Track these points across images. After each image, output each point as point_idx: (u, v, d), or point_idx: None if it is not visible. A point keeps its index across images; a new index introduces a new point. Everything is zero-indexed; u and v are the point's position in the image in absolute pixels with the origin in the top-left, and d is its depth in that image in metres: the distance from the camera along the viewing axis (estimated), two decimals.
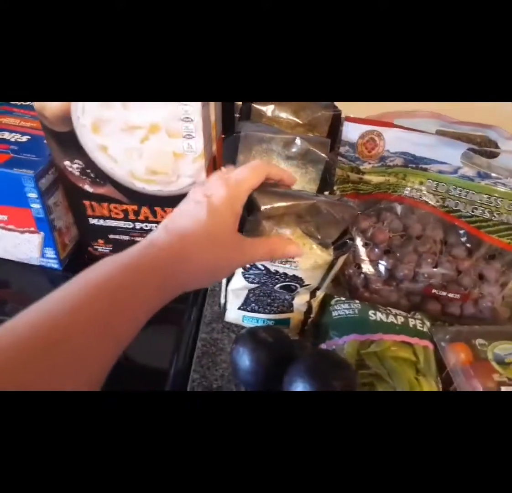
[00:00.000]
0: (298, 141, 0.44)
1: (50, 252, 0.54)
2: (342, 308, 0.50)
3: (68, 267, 0.57)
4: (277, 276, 0.43)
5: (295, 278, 0.43)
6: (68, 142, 0.46)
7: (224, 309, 0.50)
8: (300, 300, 0.47)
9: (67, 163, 0.48)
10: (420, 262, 0.52)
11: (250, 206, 0.34)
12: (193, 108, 0.43)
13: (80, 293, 0.26)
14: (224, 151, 0.45)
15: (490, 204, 0.48)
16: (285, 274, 0.43)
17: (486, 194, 0.47)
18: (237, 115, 0.66)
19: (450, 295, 0.52)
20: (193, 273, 0.30)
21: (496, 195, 0.47)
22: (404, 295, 0.54)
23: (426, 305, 0.54)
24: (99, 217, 0.53)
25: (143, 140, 0.45)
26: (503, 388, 0.42)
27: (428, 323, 0.50)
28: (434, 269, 0.52)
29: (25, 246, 0.54)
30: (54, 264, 0.56)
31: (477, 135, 0.51)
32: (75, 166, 0.48)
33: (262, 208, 0.34)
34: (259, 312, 0.48)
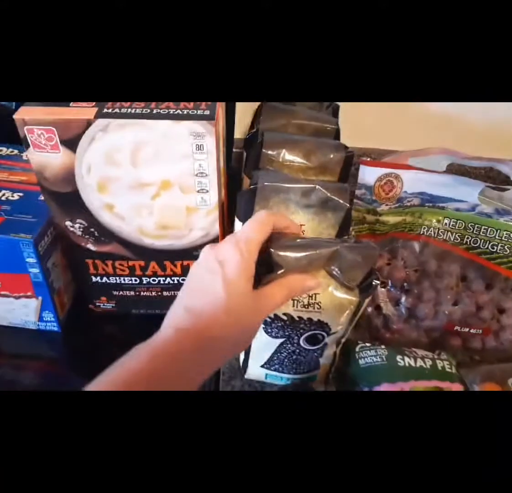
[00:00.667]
0: (317, 190, 0.42)
1: (49, 316, 0.50)
2: (368, 356, 0.48)
3: (68, 327, 0.52)
4: (301, 325, 0.41)
5: (320, 324, 0.41)
6: (71, 202, 0.43)
7: (244, 365, 0.47)
8: (327, 354, 0.45)
9: (68, 223, 0.45)
10: (440, 299, 0.52)
11: (269, 263, 0.34)
12: (208, 163, 0.41)
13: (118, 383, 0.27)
14: (240, 203, 0.43)
15: (509, 240, 0.47)
16: (310, 320, 0.40)
17: (505, 231, 0.47)
18: (236, 150, 0.64)
19: (472, 330, 0.51)
20: (219, 349, 0.31)
21: None
22: (424, 333, 0.53)
23: (447, 341, 0.53)
24: (102, 275, 0.49)
25: (154, 197, 0.42)
26: None
27: (454, 362, 0.50)
28: (455, 306, 0.51)
29: (21, 311, 0.50)
30: (53, 327, 0.51)
31: (487, 169, 0.50)
32: (77, 225, 0.45)
33: (284, 262, 0.34)
34: (284, 373, 0.46)
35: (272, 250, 0.34)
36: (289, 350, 0.43)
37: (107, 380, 0.27)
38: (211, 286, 0.30)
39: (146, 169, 0.40)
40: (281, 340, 0.42)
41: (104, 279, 0.50)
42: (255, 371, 0.47)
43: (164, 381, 0.28)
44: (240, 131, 0.61)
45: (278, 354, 0.43)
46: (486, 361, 0.53)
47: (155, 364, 0.28)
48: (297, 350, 0.43)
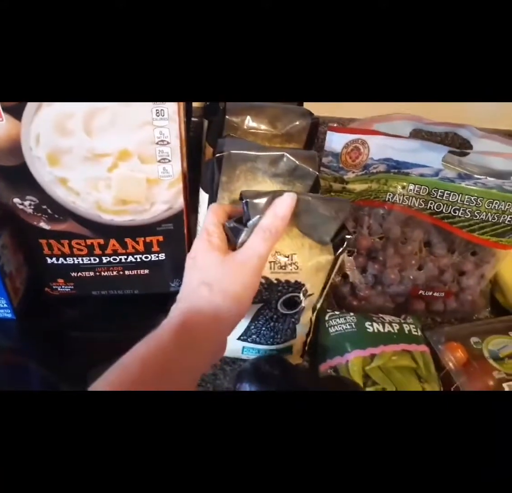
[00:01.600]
0: (285, 158, 0.41)
1: (1, 302, 0.46)
2: (338, 323, 0.49)
3: (23, 314, 0.49)
4: (279, 288, 0.40)
5: (298, 285, 0.40)
6: (18, 177, 0.39)
7: None
8: (304, 320, 0.44)
9: (16, 200, 0.41)
10: (404, 265, 0.52)
11: (243, 218, 0.35)
12: (170, 130, 0.38)
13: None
14: (205, 173, 0.41)
15: (470, 204, 0.48)
16: (287, 282, 0.40)
17: (467, 195, 0.48)
18: (194, 119, 0.61)
19: (436, 294, 0.53)
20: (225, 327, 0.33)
21: (476, 195, 0.48)
22: (389, 298, 0.54)
23: (411, 305, 0.54)
24: (59, 256, 0.46)
25: (112, 168, 0.39)
26: (504, 384, 0.44)
27: (419, 325, 0.51)
28: (419, 271, 0.52)
29: None
30: (7, 314, 0.48)
31: (450, 134, 0.51)
32: (27, 203, 0.41)
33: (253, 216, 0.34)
34: (261, 344, 0.45)
35: (244, 200, 0.34)
36: (267, 316, 0.42)
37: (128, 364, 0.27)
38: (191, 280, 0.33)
39: (102, 138, 0.37)
40: (259, 305, 0.41)
41: (60, 260, 0.46)
42: (232, 346, 0.44)
43: (182, 361, 0.28)
44: None
45: (256, 321, 0.43)
46: (447, 322, 0.55)
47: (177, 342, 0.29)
48: (275, 316, 0.42)
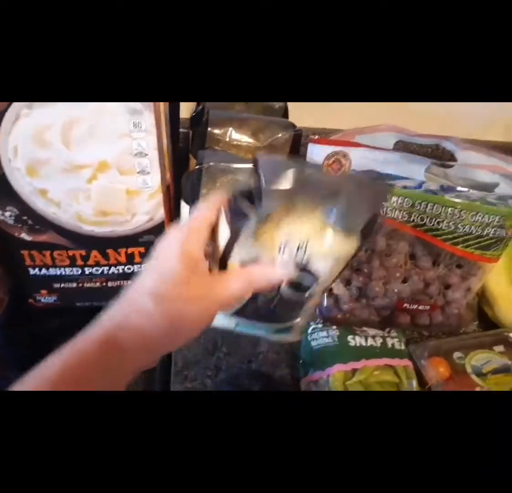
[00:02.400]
0: None
1: None
2: (320, 337, 0.48)
3: (6, 325, 0.49)
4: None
5: (308, 272, 0.33)
6: None
7: None
8: (311, 303, 0.38)
9: None
10: (389, 278, 0.52)
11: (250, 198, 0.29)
12: (147, 142, 0.38)
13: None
14: (186, 185, 0.41)
15: (454, 216, 0.48)
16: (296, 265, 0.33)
17: (450, 207, 0.48)
18: (183, 130, 0.61)
19: (421, 307, 0.53)
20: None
21: (459, 207, 0.48)
22: (374, 311, 0.54)
23: (396, 318, 0.54)
24: (41, 267, 0.46)
25: (91, 180, 0.39)
26: None
27: (404, 339, 0.51)
28: (404, 284, 0.52)
29: None
30: None
31: (433, 147, 0.51)
32: (7, 213, 0.41)
33: (273, 200, 0.28)
34: (259, 321, 0.38)
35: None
36: (268, 297, 0.35)
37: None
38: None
39: (80, 150, 0.38)
40: None
41: (43, 270, 0.46)
42: (225, 320, 0.38)
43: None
44: (188, 110, 0.59)
45: (255, 300, 0.35)
46: (433, 336, 0.54)
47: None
48: (278, 298, 0.35)
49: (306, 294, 0.35)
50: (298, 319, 0.38)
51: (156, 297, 0.27)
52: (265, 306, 0.35)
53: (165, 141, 0.42)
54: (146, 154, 0.39)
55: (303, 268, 0.33)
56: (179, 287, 0.27)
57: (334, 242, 0.32)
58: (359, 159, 0.46)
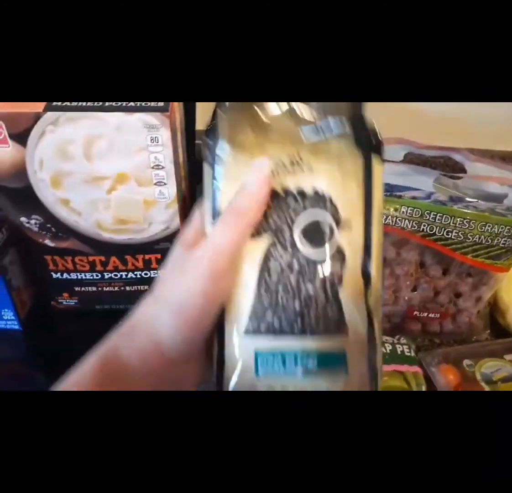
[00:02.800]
0: None
1: (8, 314, 0.49)
2: None
3: (29, 326, 0.51)
4: (289, 203, 0.26)
5: (319, 198, 0.26)
6: (24, 197, 0.42)
7: (219, 362, 0.26)
8: (350, 288, 0.26)
9: (23, 219, 0.44)
10: (399, 285, 0.53)
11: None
12: (164, 155, 0.40)
13: None
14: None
15: (463, 227, 0.49)
16: (301, 192, 0.26)
17: (459, 217, 0.48)
18: (199, 142, 0.64)
19: (431, 315, 0.53)
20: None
21: (468, 217, 0.48)
22: (384, 317, 0.55)
23: (407, 325, 0.55)
24: (63, 271, 0.48)
25: (110, 190, 0.42)
26: None
27: (413, 346, 0.51)
28: (414, 292, 0.52)
29: None
30: (14, 326, 0.50)
31: (444, 158, 0.52)
32: (33, 221, 0.44)
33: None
34: (284, 333, 0.25)
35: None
36: (282, 262, 0.25)
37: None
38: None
39: (100, 163, 0.40)
40: (267, 242, 0.25)
41: (65, 275, 0.49)
42: (237, 351, 0.25)
43: None
44: (203, 122, 0.61)
45: (265, 274, 0.25)
46: (445, 344, 0.55)
47: None
48: (295, 261, 0.25)
49: (330, 244, 0.25)
50: (346, 333, 0.25)
51: (154, 294, 0.26)
52: (283, 283, 0.25)
53: (181, 154, 0.44)
54: (163, 167, 0.41)
55: (312, 195, 0.26)
56: (170, 270, 0.26)
57: (326, 148, 0.26)
58: None
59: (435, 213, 0.49)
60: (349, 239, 0.26)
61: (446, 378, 0.47)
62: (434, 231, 0.50)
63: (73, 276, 0.49)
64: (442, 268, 0.52)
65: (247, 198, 0.24)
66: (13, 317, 0.50)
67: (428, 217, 0.49)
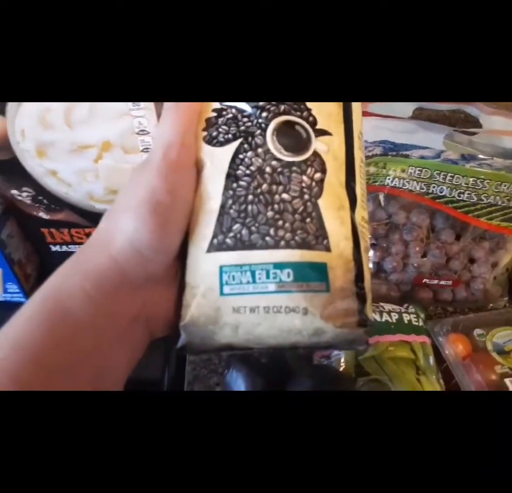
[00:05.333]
0: None
1: (13, 287, 0.50)
2: None
3: None
4: (261, 104, 0.23)
5: (296, 102, 0.24)
6: (12, 169, 0.41)
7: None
8: (328, 199, 0.23)
9: (14, 192, 0.43)
10: (408, 252, 0.50)
11: None
12: (148, 120, 0.38)
13: None
14: None
15: (476, 187, 0.45)
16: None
17: (472, 177, 0.45)
18: None
19: (442, 282, 0.50)
20: None
21: (482, 177, 0.45)
22: (394, 286, 0.53)
23: (417, 294, 0.52)
24: (61, 244, 0.48)
25: (97, 159, 0.40)
26: (506, 380, 0.41)
27: (422, 315, 0.49)
28: (423, 258, 0.50)
29: None
30: (19, 298, 0.51)
31: (457, 112, 0.48)
32: (24, 194, 0.43)
33: None
34: (254, 247, 0.22)
35: None
36: (252, 170, 0.22)
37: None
38: None
39: (83, 130, 0.38)
40: (236, 143, 0.23)
41: (64, 247, 0.49)
42: (200, 271, 0.22)
43: None
44: None
45: (232, 187, 0.23)
46: (458, 312, 0.52)
47: None
48: (267, 168, 0.22)
49: (307, 151, 0.23)
50: (328, 246, 0.22)
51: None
52: (254, 188, 0.22)
53: None
54: (148, 132, 0.39)
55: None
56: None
57: None
58: (371, 129, 0.44)
59: (445, 173, 0.45)
60: (329, 147, 0.23)
61: (455, 348, 0.44)
62: (444, 192, 0.46)
63: (72, 248, 0.49)
64: (455, 233, 0.49)
65: None
66: (18, 290, 0.50)
67: (438, 178, 0.46)
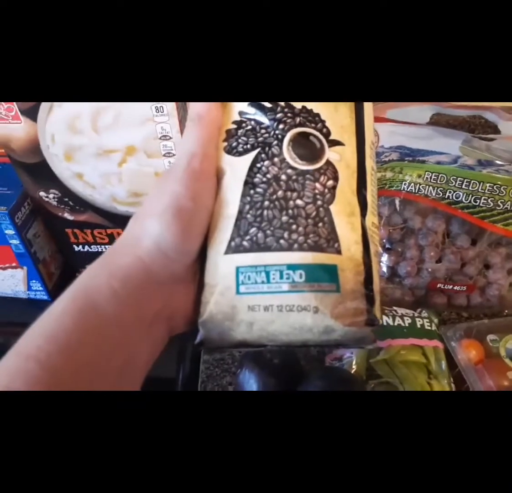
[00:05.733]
0: None
1: (36, 285, 0.52)
2: None
3: (58, 296, 0.54)
4: (279, 114, 0.25)
5: (310, 115, 0.25)
6: (41, 172, 0.43)
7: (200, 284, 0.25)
8: (341, 204, 0.24)
9: (42, 193, 0.45)
10: (423, 256, 0.51)
11: None
12: (171, 125, 0.40)
13: None
14: None
15: (493, 193, 0.45)
16: (290, 107, 0.25)
17: (489, 183, 0.45)
18: None
19: (457, 287, 0.51)
20: None
21: (500, 182, 0.45)
22: (408, 291, 0.53)
23: (431, 298, 0.52)
24: (84, 244, 0.50)
25: (121, 163, 0.42)
26: None
27: (436, 320, 0.49)
28: (438, 264, 0.50)
29: (9, 282, 0.51)
30: (42, 296, 0.53)
31: (475, 118, 0.48)
32: (51, 195, 0.45)
33: None
34: (269, 249, 0.23)
35: None
36: (269, 178, 0.24)
37: None
38: None
39: (109, 135, 0.40)
40: (253, 154, 0.25)
41: (86, 248, 0.50)
42: (218, 271, 0.24)
43: None
44: None
45: (249, 194, 0.24)
46: (473, 318, 0.52)
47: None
48: (283, 175, 0.24)
49: (322, 160, 0.24)
50: (339, 249, 0.23)
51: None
52: (269, 195, 0.24)
53: None
54: (171, 138, 0.41)
55: (302, 110, 0.25)
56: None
57: None
58: (388, 135, 0.45)
59: (462, 178, 0.46)
60: (341, 157, 0.24)
61: (468, 354, 0.45)
62: (460, 198, 0.47)
63: (94, 248, 0.50)
64: (470, 238, 0.49)
65: (196, 102, 0.25)
66: (41, 288, 0.52)
67: (454, 183, 0.46)
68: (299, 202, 0.23)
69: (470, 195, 0.46)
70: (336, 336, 0.23)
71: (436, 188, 0.47)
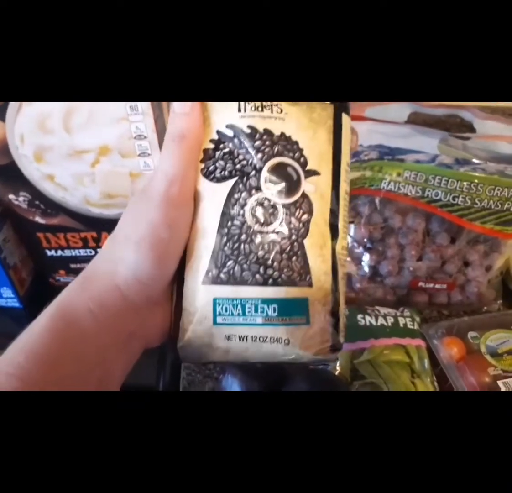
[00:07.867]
0: None
1: (7, 292, 0.49)
2: None
3: (30, 303, 0.52)
4: (257, 142, 0.25)
5: (288, 143, 0.25)
6: (10, 174, 0.41)
7: (176, 312, 0.26)
8: (315, 237, 0.25)
9: (11, 196, 0.43)
10: (404, 255, 0.51)
11: None
12: (146, 125, 0.39)
13: None
14: None
15: (470, 191, 0.46)
16: (269, 133, 0.25)
17: (466, 181, 0.45)
18: None
19: (437, 286, 0.51)
20: None
21: (476, 181, 0.45)
22: (390, 290, 0.53)
23: (413, 297, 0.53)
24: (57, 248, 0.48)
25: (94, 164, 0.40)
26: (499, 382, 0.42)
27: (418, 318, 0.49)
28: (419, 262, 0.50)
29: None
30: (14, 303, 0.51)
31: (452, 117, 0.48)
32: (21, 198, 0.43)
33: None
34: (245, 283, 0.24)
35: None
36: (246, 203, 0.25)
37: None
38: None
39: (81, 135, 0.39)
40: (232, 181, 0.25)
41: (59, 252, 0.48)
42: (196, 300, 0.25)
43: None
44: None
45: (227, 226, 0.24)
46: (453, 315, 0.53)
47: None
48: (259, 209, 0.25)
49: (298, 192, 0.25)
50: (311, 282, 0.25)
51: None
52: (245, 227, 0.25)
53: (164, 122, 0.42)
54: (145, 137, 0.39)
55: (280, 138, 0.25)
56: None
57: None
58: (367, 134, 0.44)
59: (440, 177, 0.46)
60: (316, 187, 0.25)
61: (450, 351, 0.45)
62: (439, 196, 0.47)
63: (67, 253, 0.48)
64: (450, 236, 0.50)
65: (179, 119, 0.24)
66: (12, 295, 0.50)
67: (433, 182, 0.46)
68: (274, 237, 0.25)
69: (449, 194, 0.46)
70: (304, 360, 0.25)
71: (415, 186, 0.47)
